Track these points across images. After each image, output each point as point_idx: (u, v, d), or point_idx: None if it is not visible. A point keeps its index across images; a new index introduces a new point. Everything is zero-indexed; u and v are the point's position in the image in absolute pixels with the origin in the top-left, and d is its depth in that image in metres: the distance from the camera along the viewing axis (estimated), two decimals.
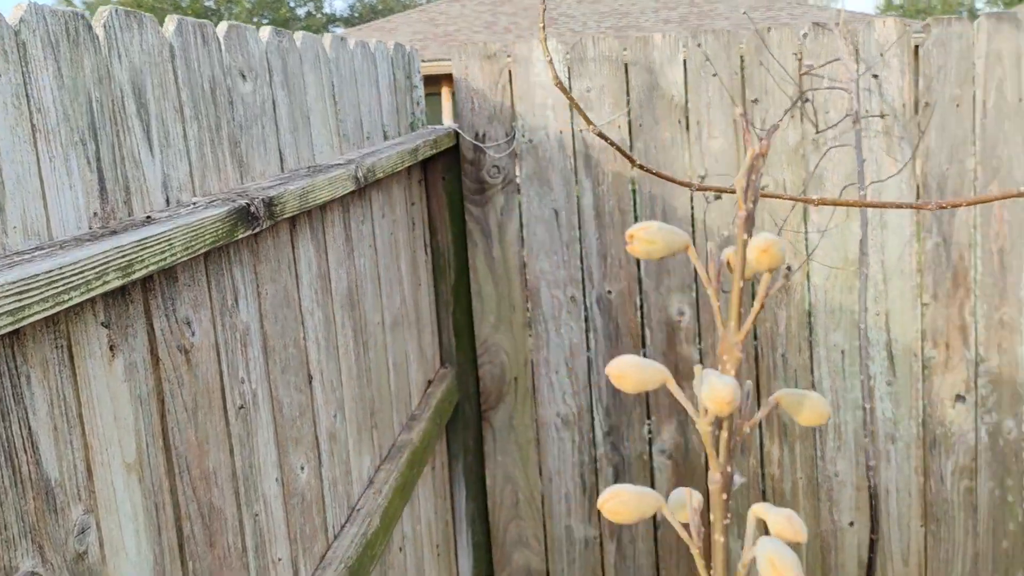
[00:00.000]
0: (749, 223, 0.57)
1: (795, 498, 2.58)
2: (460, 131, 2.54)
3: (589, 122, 1.71)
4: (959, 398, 2.47)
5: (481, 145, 2.54)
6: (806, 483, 2.57)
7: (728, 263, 0.59)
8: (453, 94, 2.59)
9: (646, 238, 0.61)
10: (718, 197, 2.27)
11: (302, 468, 1.47)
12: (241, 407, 1.26)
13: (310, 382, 1.53)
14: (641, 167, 1.69)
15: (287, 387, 1.43)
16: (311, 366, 1.54)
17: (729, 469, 0.60)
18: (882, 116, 2.30)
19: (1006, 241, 2.37)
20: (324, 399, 1.59)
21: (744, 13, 2.44)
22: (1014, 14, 2.33)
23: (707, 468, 2.64)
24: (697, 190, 1.54)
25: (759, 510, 0.59)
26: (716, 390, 0.55)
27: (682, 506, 0.63)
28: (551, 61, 1.75)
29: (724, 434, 0.59)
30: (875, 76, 2.32)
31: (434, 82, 6.94)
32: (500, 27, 12.22)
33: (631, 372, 0.61)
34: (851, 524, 2.57)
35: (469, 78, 2.53)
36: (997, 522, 2.52)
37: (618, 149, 1.71)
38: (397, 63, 2.29)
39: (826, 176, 2.40)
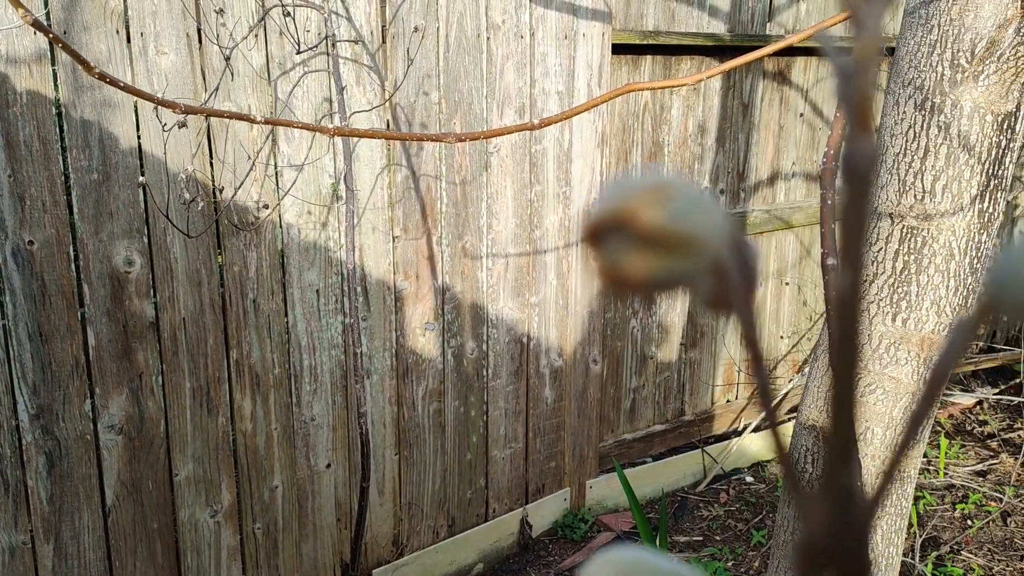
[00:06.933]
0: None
1: (270, 450, 2.40)
2: None
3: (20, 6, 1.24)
4: (428, 325, 2.53)
5: None
6: (281, 432, 2.41)
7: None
8: None
9: (663, 231, 0.23)
10: (182, 125, 1.90)
11: None
12: None
13: None
14: (114, 82, 1.30)
15: None
16: None
17: None
18: (357, 42, 2.15)
19: (468, 173, 2.45)
20: None
21: None
22: None
23: (168, 439, 2.30)
24: (267, 123, 1.21)
25: None
26: None
27: None
28: None
29: None
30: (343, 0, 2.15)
31: None
32: None
33: None
34: (328, 466, 2.50)
35: None
36: (462, 437, 2.68)
37: (73, 55, 1.28)
38: None
39: (296, 104, 2.18)
